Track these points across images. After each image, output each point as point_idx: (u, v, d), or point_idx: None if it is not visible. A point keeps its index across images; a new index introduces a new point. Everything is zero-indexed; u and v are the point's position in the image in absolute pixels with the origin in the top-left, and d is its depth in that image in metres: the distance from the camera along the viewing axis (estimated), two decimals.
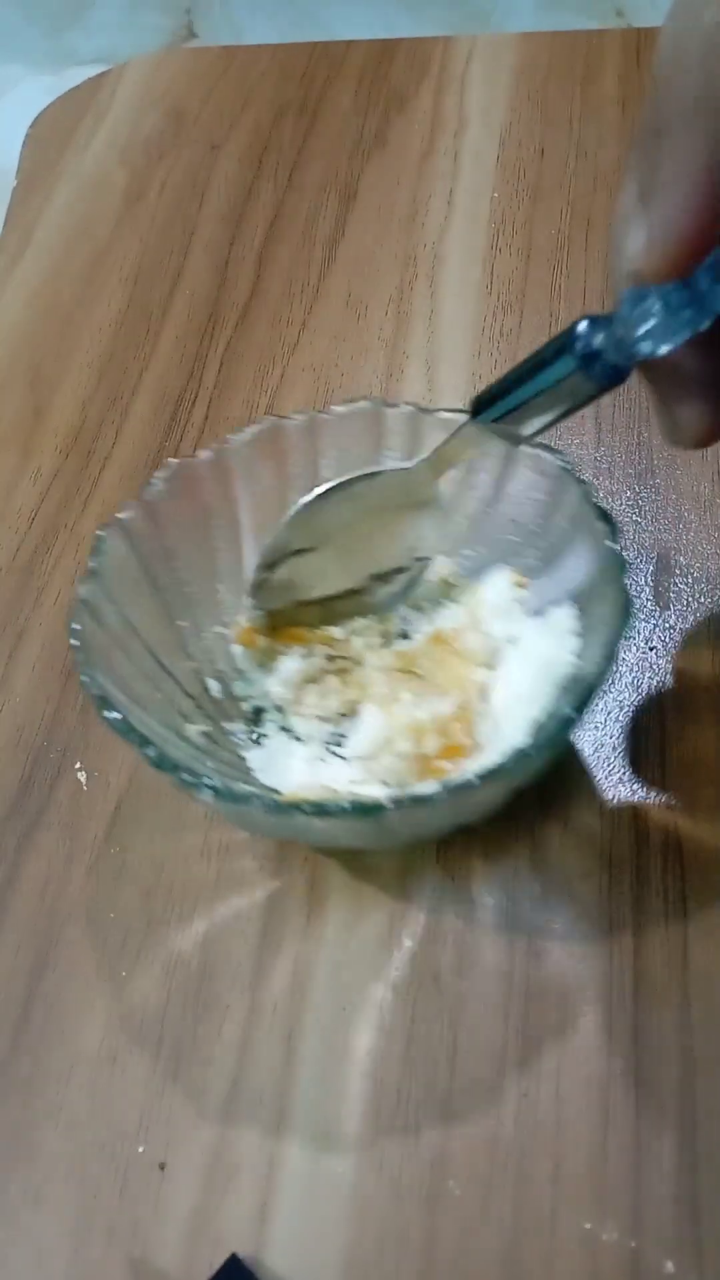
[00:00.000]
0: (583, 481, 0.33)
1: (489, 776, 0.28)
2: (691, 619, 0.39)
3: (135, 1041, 0.32)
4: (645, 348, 0.26)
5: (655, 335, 0.26)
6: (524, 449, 0.34)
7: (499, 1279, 0.28)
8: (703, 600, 0.39)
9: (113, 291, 0.54)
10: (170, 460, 0.36)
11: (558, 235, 0.52)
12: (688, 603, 0.39)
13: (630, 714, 0.36)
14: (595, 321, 0.27)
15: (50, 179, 0.61)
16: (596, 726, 0.36)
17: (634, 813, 0.34)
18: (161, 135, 0.62)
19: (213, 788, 0.29)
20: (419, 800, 0.28)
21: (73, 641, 0.31)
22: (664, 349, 0.26)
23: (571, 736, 0.36)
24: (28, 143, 0.64)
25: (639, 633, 0.38)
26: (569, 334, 0.28)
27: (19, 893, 0.36)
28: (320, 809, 0.28)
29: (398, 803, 0.28)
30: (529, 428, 0.30)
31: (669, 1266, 0.27)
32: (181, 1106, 0.31)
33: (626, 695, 0.37)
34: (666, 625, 0.38)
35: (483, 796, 0.30)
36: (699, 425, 0.29)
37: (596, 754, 0.36)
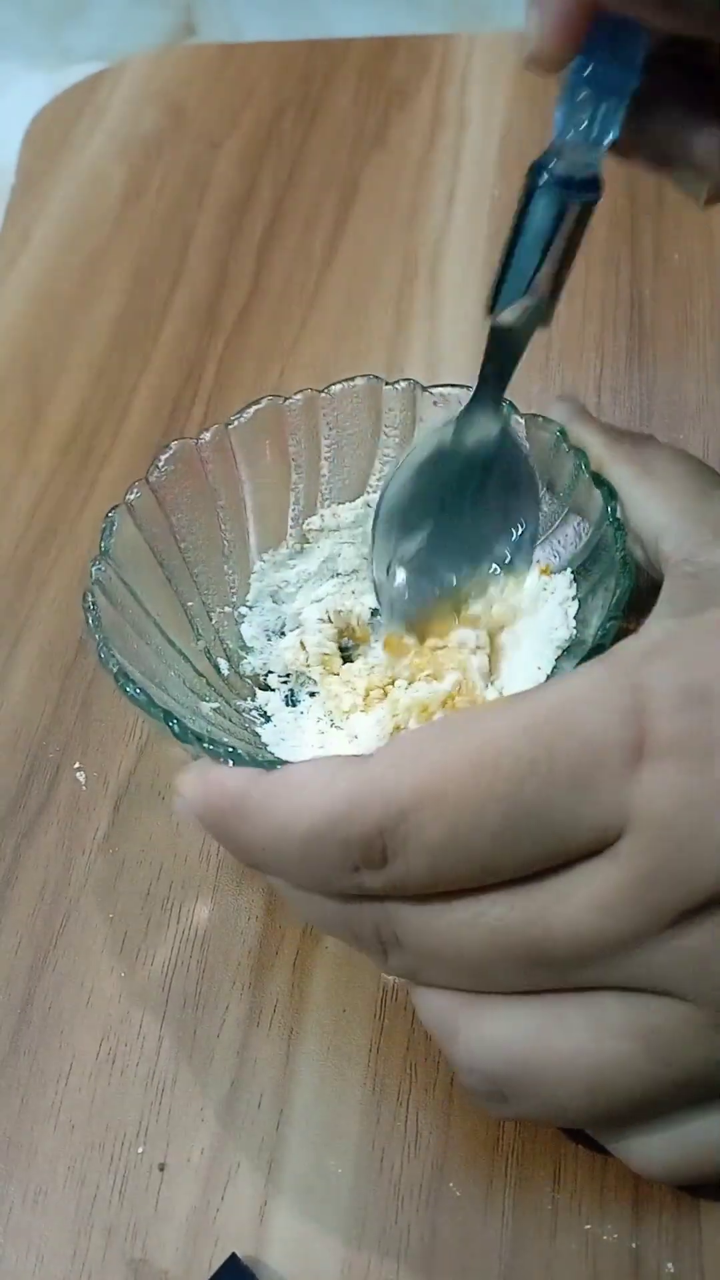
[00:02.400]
0: (578, 451, 0.33)
1: None
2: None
3: (134, 1042, 0.32)
4: (601, 136, 0.27)
5: (600, 119, 0.26)
6: (515, 420, 0.35)
7: (499, 1279, 0.28)
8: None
9: (112, 290, 0.54)
10: (173, 442, 0.36)
11: None
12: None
13: None
14: (543, 157, 0.28)
15: (49, 177, 0.61)
16: None
17: None
18: (161, 133, 0.62)
19: (238, 758, 0.29)
20: None
21: (88, 619, 0.31)
22: (615, 125, 0.26)
23: None
24: (26, 140, 0.63)
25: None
26: (530, 180, 0.28)
27: (17, 892, 0.35)
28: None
29: None
30: (542, 291, 0.30)
31: (669, 1267, 0.27)
32: (181, 1107, 0.31)
33: None
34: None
35: None
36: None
37: None
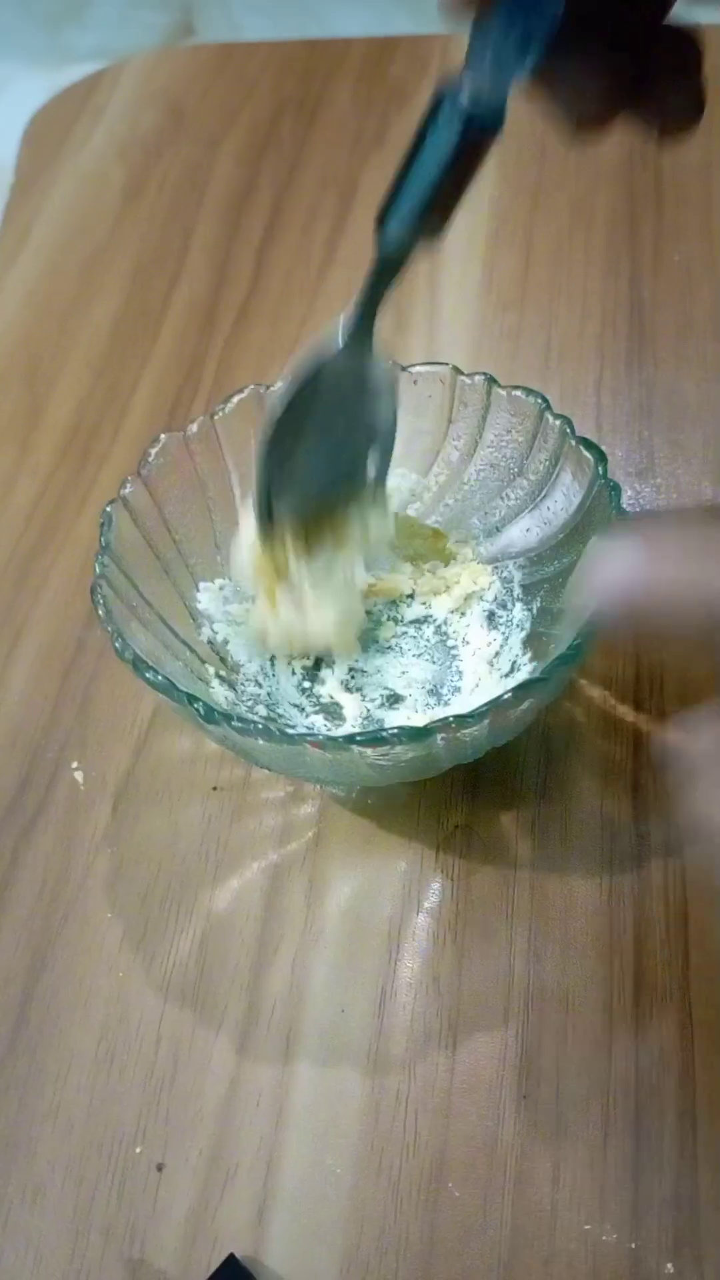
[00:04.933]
0: (562, 416, 0.34)
1: (523, 688, 0.29)
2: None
3: (133, 1042, 0.32)
4: (511, 71, 0.26)
5: (513, 52, 0.26)
6: (500, 392, 0.35)
7: (498, 1279, 0.28)
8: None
9: (111, 289, 0.54)
10: (161, 435, 0.36)
11: (558, 234, 0.52)
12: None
13: (630, 728, 0.36)
14: (451, 81, 0.27)
15: (48, 176, 0.61)
16: (591, 729, 0.36)
17: (636, 837, 0.34)
18: (160, 132, 0.62)
19: (268, 732, 0.29)
20: (462, 720, 0.29)
21: (99, 612, 0.32)
22: (527, 61, 0.26)
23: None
24: (26, 140, 0.63)
25: (639, 635, 0.38)
26: (434, 105, 0.27)
27: (16, 892, 0.35)
28: (374, 738, 0.29)
29: (443, 724, 0.29)
30: (434, 220, 0.29)
31: (669, 1267, 0.27)
32: (179, 1107, 0.31)
33: (624, 710, 0.37)
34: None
35: (518, 710, 0.30)
36: (598, 101, 0.28)
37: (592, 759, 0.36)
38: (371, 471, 0.35)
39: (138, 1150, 0.30)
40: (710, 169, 0.53)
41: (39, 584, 0.43)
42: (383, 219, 0.29)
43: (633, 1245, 0.28)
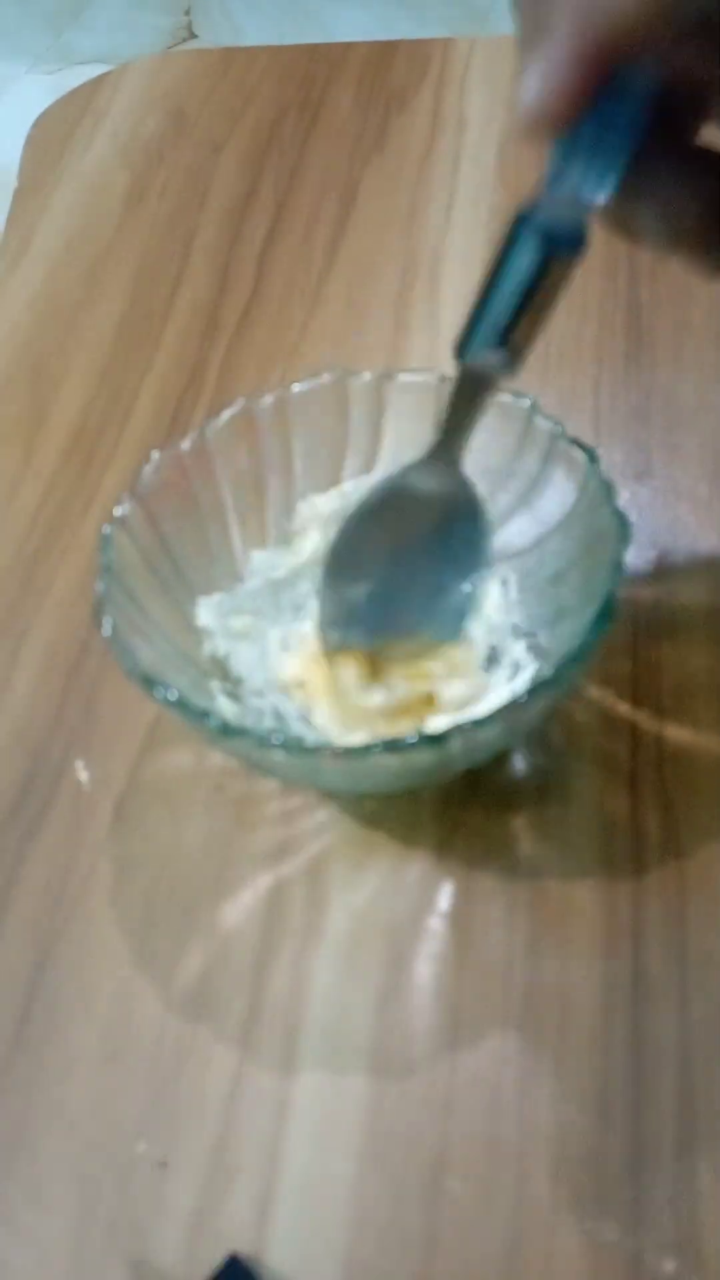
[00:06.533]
0: (550, 417, 0.34)
1: (537, 689, 0.30)
2: (689, 619, 0.39)
3: (136, 1040, 0.32)
4: (593, 195, 0.26)
5: (594, 176, 0.26)
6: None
7: (499, 1279, 0.28)
8: (701, 601, 0.39)
9: (114, 294, 0.54)
10: (154, 452, 0.36)
11: None
12: (686, 603, 0.39)
13: (628, 726, 0.37)
14: (531, 204, 0.27)
15: (51, 180, 0.61)
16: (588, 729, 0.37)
17: (634, 834, 0.35)
18: (162, 136, 0.62)
19: (291, 745, 0.30)
20: (479, 723, 0.29)
21: (105, 633, 0.32)
22: (608, 185, 0.26)
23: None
24: (28, 144, 0.64)
25: (637, 634, 0.38)
26: (514, 228, 0.27)
27: (21, 891, 0.36)
28: (392, 745, 0.29)
29: (460, 729, 0.29)
30: (516, 343, 0.28)
31: (669, 1267, 0.28)
32: (182, 1105, 0.31)
33: (622, 708, 0.37)
34: (665, 625, 0.39)
35: (532, 711, 0.31)
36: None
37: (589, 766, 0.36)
38: (456, 603, 0.34)
39: (140, 1148, 0.31)
40: None
41: (44, 586, 0.43)
42: (461, 346, 0.29)
43: (633, 1245, 0.28)
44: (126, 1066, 0.32)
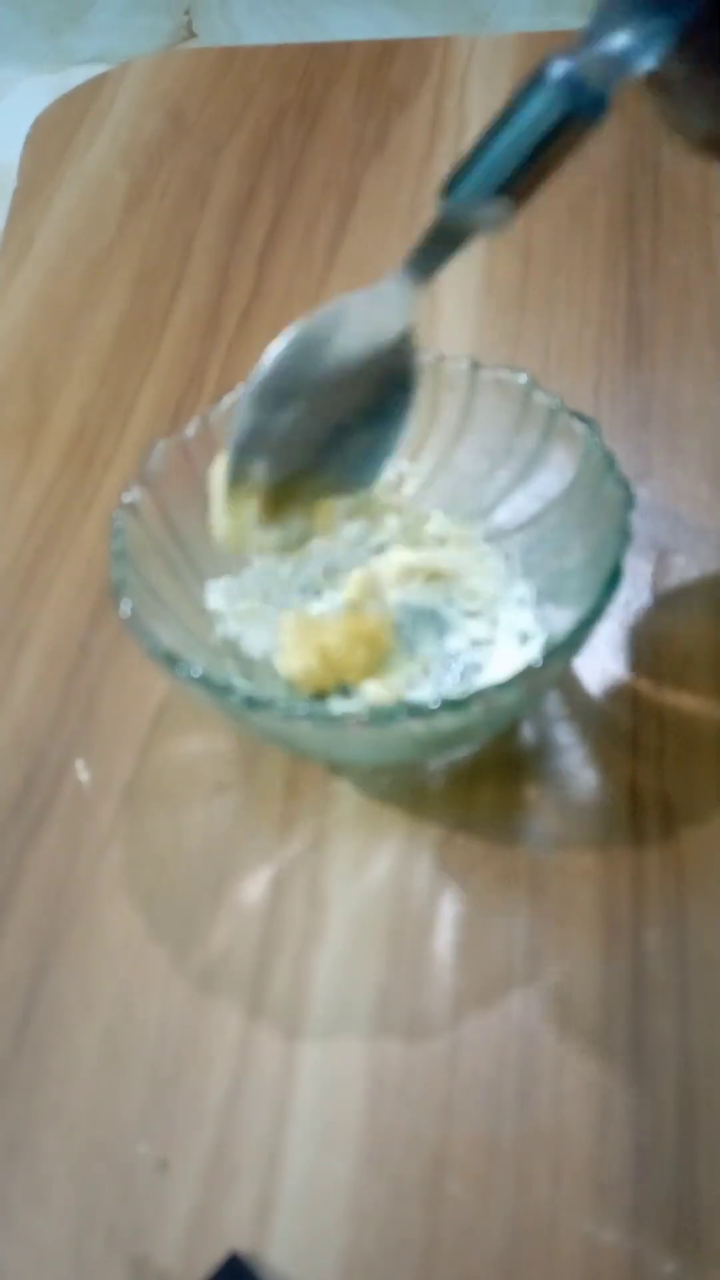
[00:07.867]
0: (549, 392, 0.34)
1: (551, 655, 0.31)
2: (689, 620, 0.39)
3: (136, 1041, 0.32)
4: (634, 60, 0.24)
5: (641, 39, 0.23)
6: (486, 374, 0.35)
7: (499, 1279, 0.28)
8: (701, 601, 0.39)
9: (114, 295, 0.54)
10: (159, 441, 0.36)
11: (556, 238, 0.52)
12: (686, 604, 0.39)
13: (629, 729, 0.37)
14: (560, 56, 0.24)
15: (51, 182, 0.61)
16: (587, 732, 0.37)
17: (633, 832, 0.35)
18: (162, 137, 0.62)
19: (319, 718, 0.30)
20: (500, 687, 0.30)
21: (124, 614, 0.32)
22: (654, 51, 0.23)
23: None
24: (28, 145, 0.64)
25: (635, 635, 0.38)
26: (536, 76, 0.24)
27: (21, 892, 0.36)
28: (416, 709, 0.29)
29: (481, 694, 0.30)
30: (513, 197, 0.26)
31: (669, 1267, 0.28)
32: (183, 1106, 0.31)
33: (622, 708, 0.37)
34: (664, 626, 0.39)
35: (549, 675, 0.32)
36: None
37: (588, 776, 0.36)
38: (365, 459, 0.33)
39: (141, 1149, 0.31)
40: (709, 172, 0.53)
41: (44, 587, 0.43)
42: (452, 185, 0.26)
43: (633, 1245, 0.28)
44: (127, 1067, 0.32)
